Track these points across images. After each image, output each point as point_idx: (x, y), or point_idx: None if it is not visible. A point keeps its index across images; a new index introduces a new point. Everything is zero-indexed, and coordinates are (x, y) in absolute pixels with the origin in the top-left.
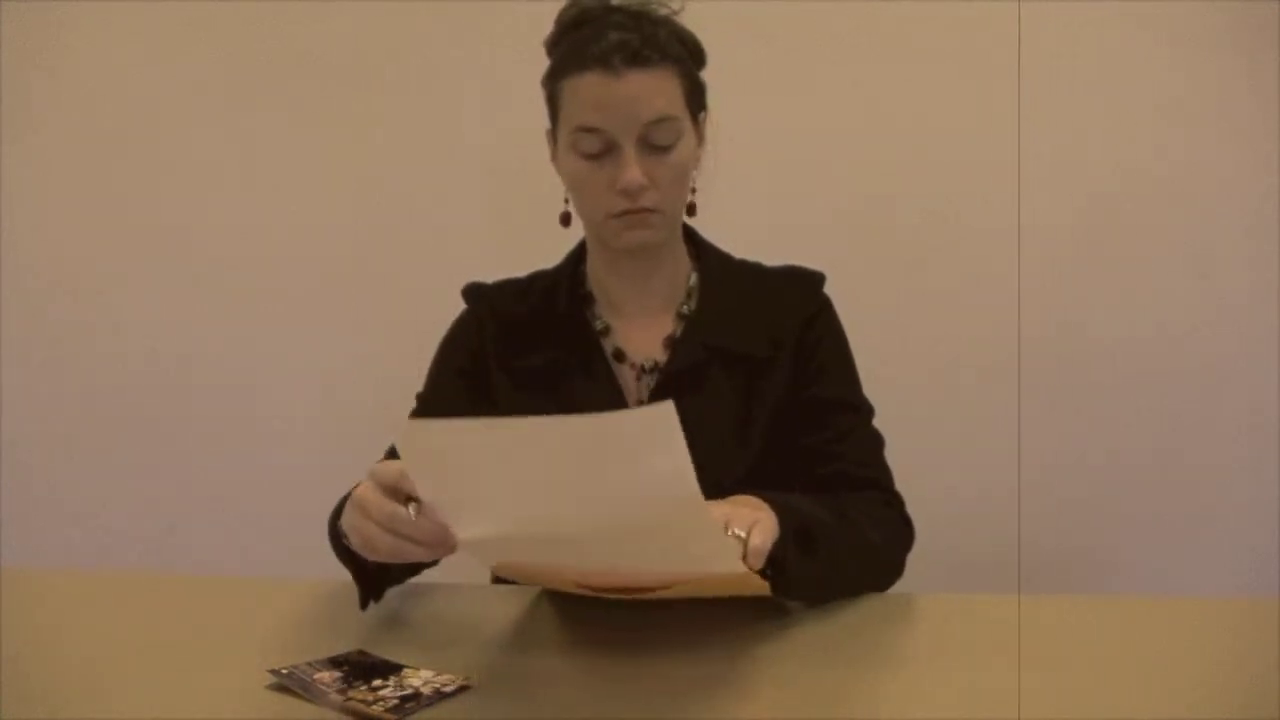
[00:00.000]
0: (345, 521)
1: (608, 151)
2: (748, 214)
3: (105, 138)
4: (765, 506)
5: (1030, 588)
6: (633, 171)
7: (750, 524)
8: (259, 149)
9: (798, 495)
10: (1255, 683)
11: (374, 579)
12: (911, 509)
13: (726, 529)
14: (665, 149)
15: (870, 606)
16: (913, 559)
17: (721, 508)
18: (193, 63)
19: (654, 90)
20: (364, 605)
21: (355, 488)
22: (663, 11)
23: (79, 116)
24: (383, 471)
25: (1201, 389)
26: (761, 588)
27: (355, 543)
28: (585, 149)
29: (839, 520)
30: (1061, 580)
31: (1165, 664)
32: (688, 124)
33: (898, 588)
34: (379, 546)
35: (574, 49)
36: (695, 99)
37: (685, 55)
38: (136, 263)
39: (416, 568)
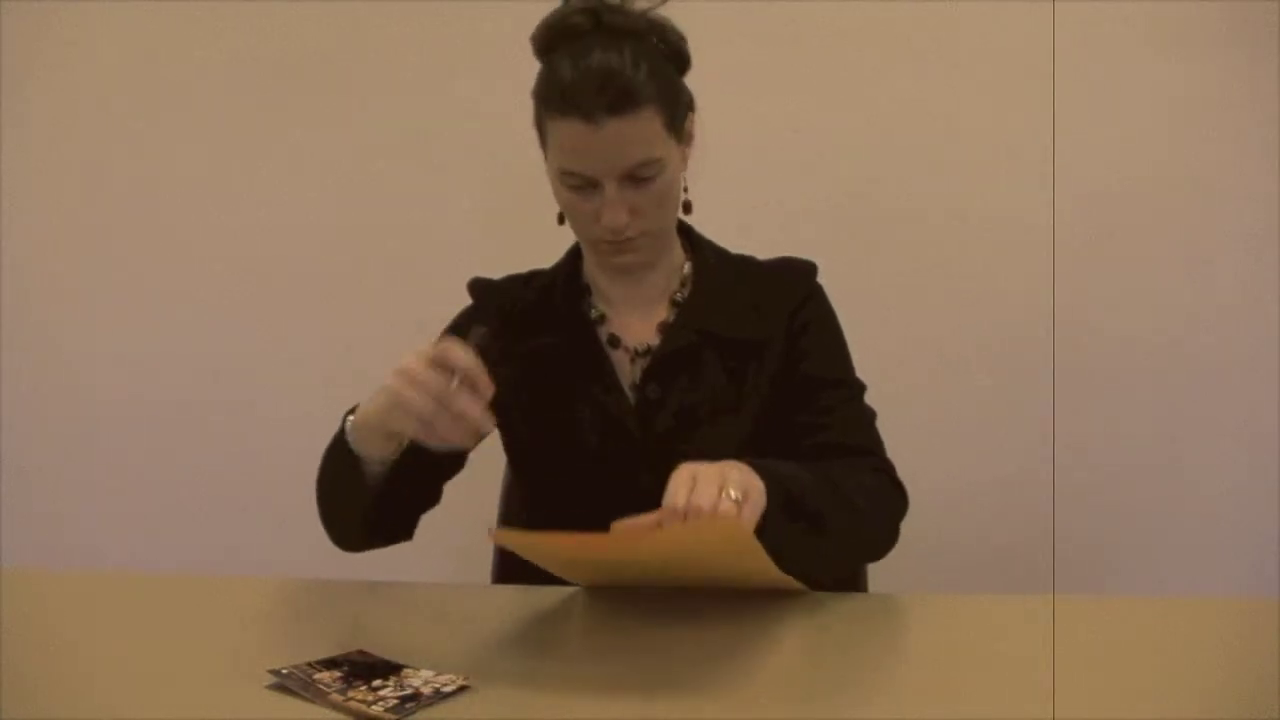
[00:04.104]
0: (371, 403)
1: (592, 186)
2: (752, 211)
3: (105, 138)
4: (755, 475)
5: (1029, 588)
6: (613, 213)
7: (744, 489)
8: (256, 149)
9: (787, 463)
10: (1255, 683)
11: (382, 497)
12: (912, 507)
13: (722, 490)
14: (648, 180)
15: (860, 606)
16: (913, 558)
17: (717, 466)
18: (192, 63)
19: (635, 137)
20: (357, 525)
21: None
22: (640, 4)
23: (79, 116)
24: (434, 349)
25: (1201, 389)
26: (786, 581)
27: (387, 418)
28: (568, 184)
29: (826, 488)
30: (1061, 580)
31: (1165, 664)
32: (671, 150)
33: (881, 586)
34: (413, 407)
35: (557, 84)
36: (678, 117)
37: (668, 78)
38: (136, 263)
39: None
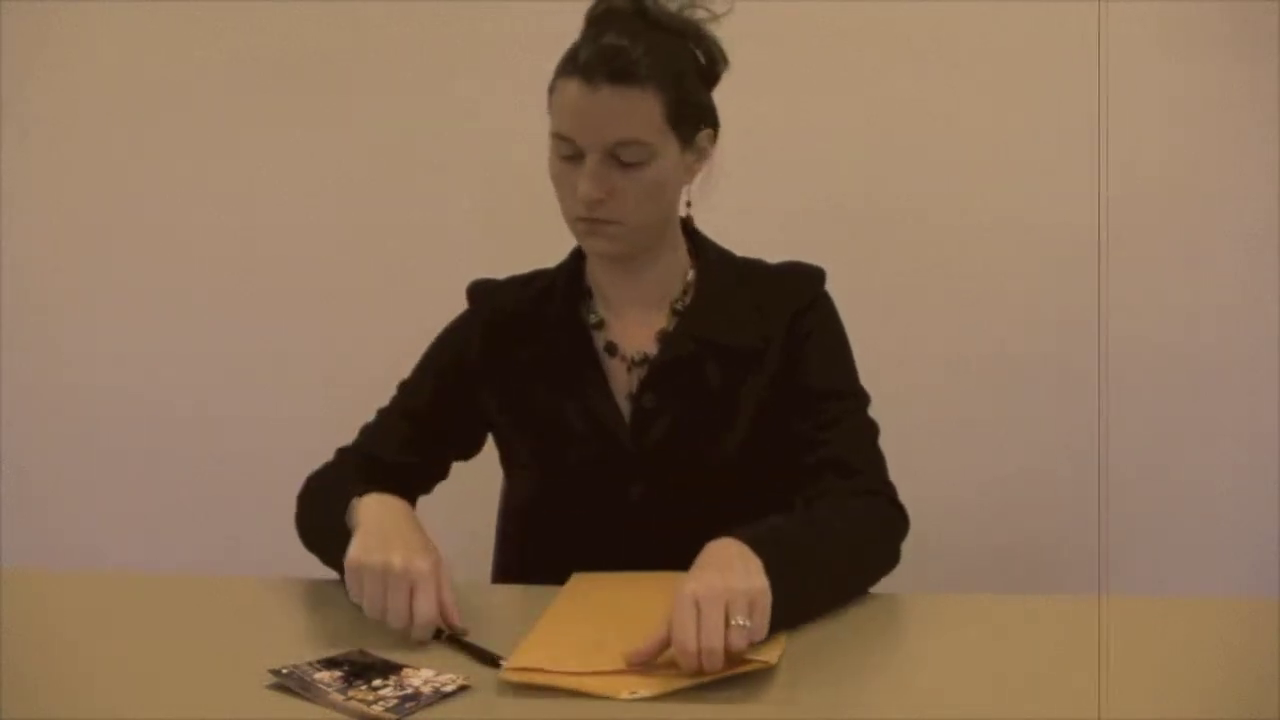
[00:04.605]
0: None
1: (579, 157)
2: (751, 213)
3: (105, 138)
4: (756, 566)
5: (1030, 588)
6: (587, 185)
7: (749, 604)
8: (256, 149)
9: (777, 524)
10: (1255, 683)
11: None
12: (913, 508)
13: (728, 619)
14: (633, 166)
15: (861, 606)
16: (911, 556)
17: (720, 583)
18: (192, 63)
19: (627, 110)
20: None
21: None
22: (699, 15)
23: (79, 116)
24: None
25: (1201, 389)
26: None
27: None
28: (560, 152)
29: (820, 539)
30: (1062, 580)
31: (1165, 664)
32: (666, 144)
33: (886, 587)
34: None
35: (572, 51)
36: (685, 118)
37: (684, 73)
38: (137, 263)
39: None
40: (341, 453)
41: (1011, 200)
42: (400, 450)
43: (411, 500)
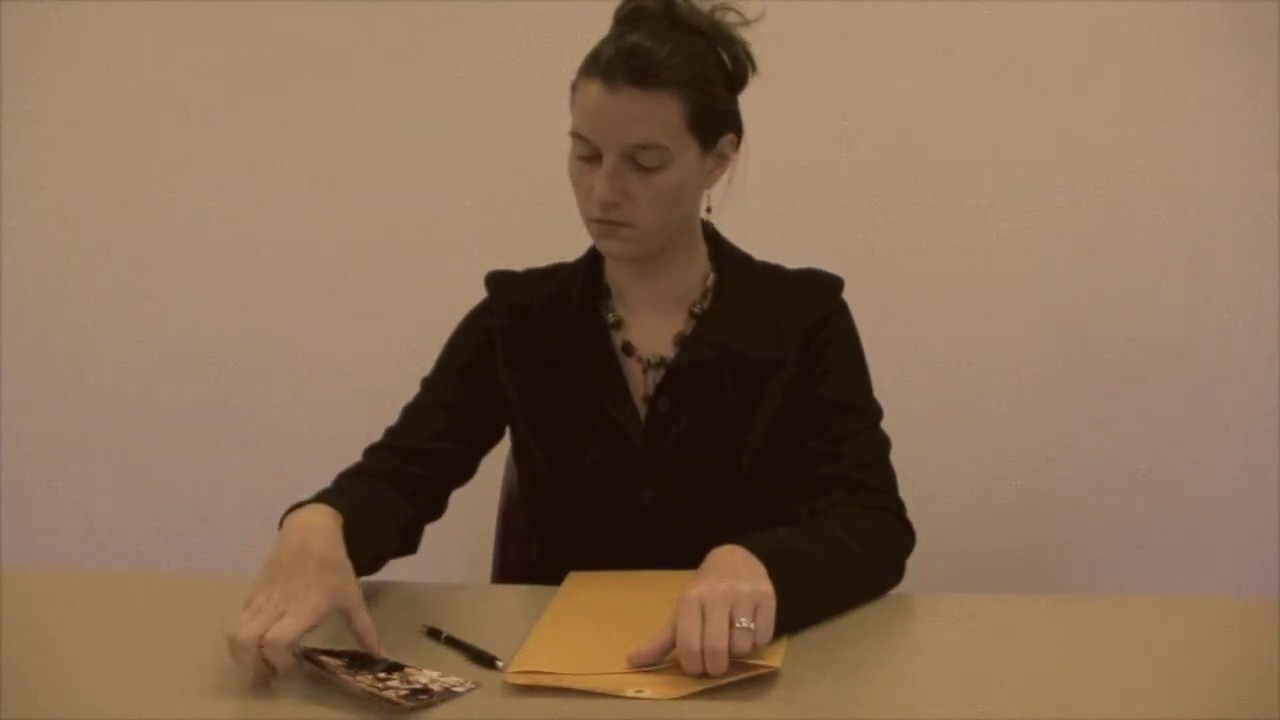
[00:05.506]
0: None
1: (596, 158)
2: (753, 215)
3: (105, 138)
4: (760, 571)
5: (1030, 588)
6: (602, 187)
7: (754, 607)
8: (257, 149)
9: (783, 534)
10: (1255, 683)
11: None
12: (913, 508)
13: (732, 621)
14: (650, 170)
15: (863, 607)
16: (915, 558)
17: (724, 586)
18: (193, 63)
19: (646, 114)
20: None
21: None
22: (730, 18)
23: (79, 116)
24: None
25: (1201, 389)
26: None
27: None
28: (578, 152)
29: (827, 553)
30: (1062, 580)
31: (1165, 664)
32: (685, 149)
33: (899, 587)
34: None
35: (595, 51)
36: (707, 123)
37: (708, 77)
38: (137, 263)
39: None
40: (368, 452)
41: (1012, 200)
42: (432, 439)
43: (444, 495)
